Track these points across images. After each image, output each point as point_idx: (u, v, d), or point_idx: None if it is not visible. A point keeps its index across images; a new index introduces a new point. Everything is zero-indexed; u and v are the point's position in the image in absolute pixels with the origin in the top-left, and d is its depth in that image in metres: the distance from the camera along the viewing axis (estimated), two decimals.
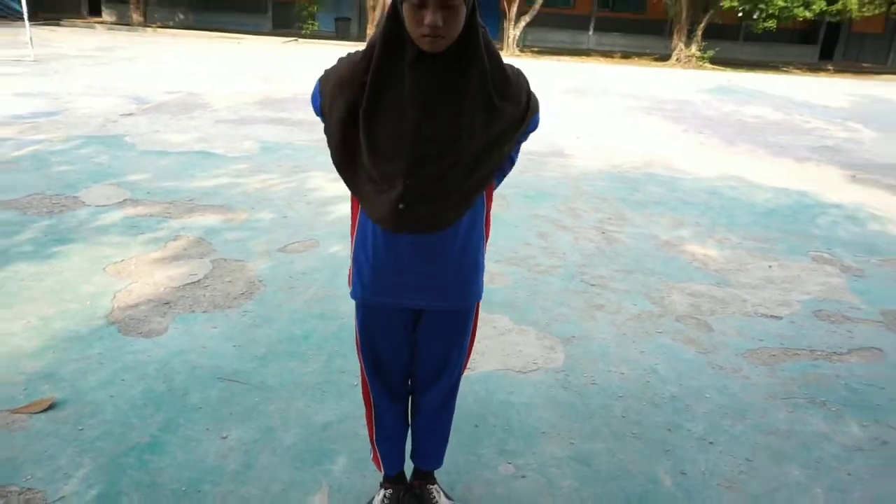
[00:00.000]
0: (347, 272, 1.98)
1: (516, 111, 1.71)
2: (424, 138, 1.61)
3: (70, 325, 3.25)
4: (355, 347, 2.04)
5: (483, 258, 1.92)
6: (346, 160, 1.73)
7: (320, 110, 1.77)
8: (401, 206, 1.66)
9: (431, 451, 2.20)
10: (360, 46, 1.72)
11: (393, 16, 1.58)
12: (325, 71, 1.77)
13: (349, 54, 1.72)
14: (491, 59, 1.63)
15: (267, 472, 2.36)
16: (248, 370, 2.98)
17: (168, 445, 2.45)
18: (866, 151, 9.39)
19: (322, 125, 1.79)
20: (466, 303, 1.91)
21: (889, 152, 9.44)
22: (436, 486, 2.23)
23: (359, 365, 2.07)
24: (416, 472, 2.25)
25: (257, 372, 2.97)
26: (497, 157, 1.74)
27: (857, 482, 2.52)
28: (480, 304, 2.00)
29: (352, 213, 1.88)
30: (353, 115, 1.65)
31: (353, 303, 1.92)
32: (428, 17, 1.49)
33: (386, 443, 2.14)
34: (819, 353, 3.50)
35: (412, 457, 2.23)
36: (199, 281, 3.85)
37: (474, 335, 2.05)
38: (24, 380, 2.78)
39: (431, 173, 1.65)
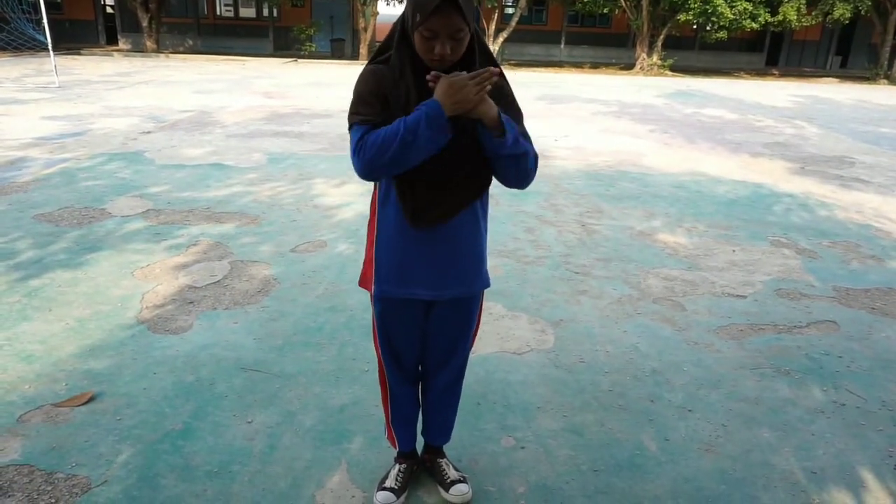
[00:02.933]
0: (360, 269, 1.96)
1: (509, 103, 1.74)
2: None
3: (104, 326, 3.21)
4: (371, 337, 2.02)
5: (486, 250, 1.91)
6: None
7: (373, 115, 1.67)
8: (428, 197, 1.69)
9: (441, 427, 2.18)
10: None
11: (402, 38, 1.63)
12: (352, 111, 1.69)
13: (361, 74, 1.72)
14: (490, 65, 1.66)
15: (290, 452, 2.33)
16: (268, 360, 2.95)
17: (199, 431, 2.42)
18: (812, 146, 9.43)
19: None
20: (474, 290, 1.90)
21: (831, 146, 9.49)
22: (445, 459, 2.22)
23: (372, 353, 2.05)
24: (426, 447, 2.24)
25: (276, 361, 2.94)
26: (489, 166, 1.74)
27: (820, 441, 2.52)
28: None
29: (370, 215, 1.87)
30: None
31: (359, 296, 1.92)
32: (438, 48, 1.56)
33: (400, 422, 2.12)
34: (781, 327, 3.50)
35: (423, 433, 2.22)
36: (219, 281, 3.81)
37: (479, 321, 2.04)
38: (65, 376, 2.75)
39: (444, 168, 1.66)
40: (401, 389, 2.06)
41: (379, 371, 2.07)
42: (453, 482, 2.13)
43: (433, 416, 2.16)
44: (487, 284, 1.94)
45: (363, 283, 1.93)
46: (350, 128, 1.68)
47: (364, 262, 1.93)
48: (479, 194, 1.78)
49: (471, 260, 1.85)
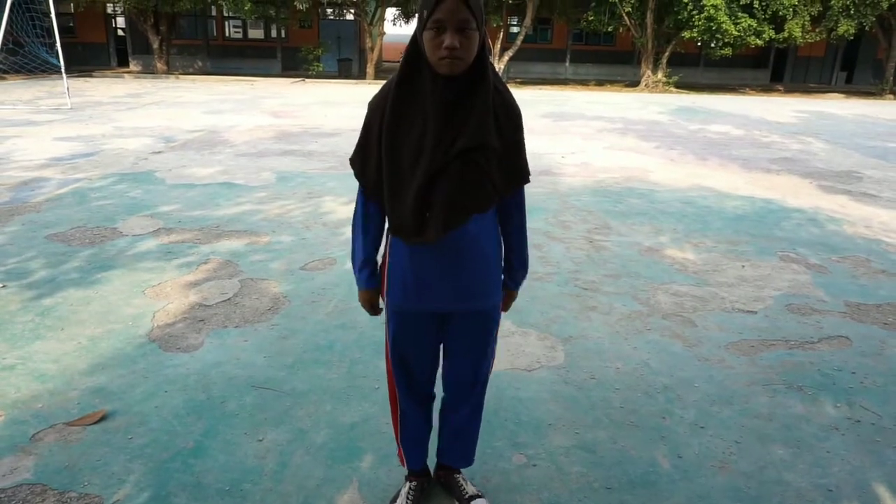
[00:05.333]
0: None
1: (518, 128, 1.77)
2: (443, 152, 1.64)
3: (116, 344, 3.23)
4: (384, 355, 2.03)
5: (500, 263, 1.91)
6: (378, 178, 1.75)
7: (357, 156, 1.80)
8: (427, 214, 1.68)
9: (461, 450, 2.15)
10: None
11: (412, 48, 1.63)
12: (354, 152, 1.82)
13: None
14: (500, 85, 1.70)
15: (301, 470, 2.33)
16: (279, 378, 2.95)
17: (210, 449, 2.42)
18: (819, 161, 9.41)
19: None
20: (489, 302, 1.89)
21: (839, 161, 9.47)
22: (461, 475, 2.20)
23: (383, 370, 2.05)
24: (441, 463, 2.22)
25: (287, 379, 2.94)
26: (500, 174, 1.74)
27: (835, 458, 2.49)
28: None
29: (387, 229, 1.88)
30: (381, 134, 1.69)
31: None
32: (447, 40, 1.54)
33: (410, 442, 2.11)
34: (793, 342, 3.48)
35: (441, 457, 2.19)
36: (229, 299, 3.82)
37: (496, 340, 2.03)
38: (77, 395, 2.75)
39: (449, 185, 1.67)
40: (411, 408, 2.05)
41: (389, 389, 2.06)
42: (472, 497, 2.12)
43: (455, 441, 2.13)
44: (500, 297, 1.94)
45: (382, 295, 1.93)
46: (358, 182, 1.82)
47: (379, 276, 1.93)
48: (477, 211, 1.75)
49: (484, 272, 1.84)
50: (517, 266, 1.96)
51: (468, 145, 1.64)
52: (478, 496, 2.12)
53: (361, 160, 1.78)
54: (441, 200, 1.67)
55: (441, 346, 1.99)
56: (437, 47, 1.56)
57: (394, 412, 2.08)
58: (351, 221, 1.91)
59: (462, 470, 2.22)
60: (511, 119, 1.73)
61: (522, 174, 1.81)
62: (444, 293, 1.81)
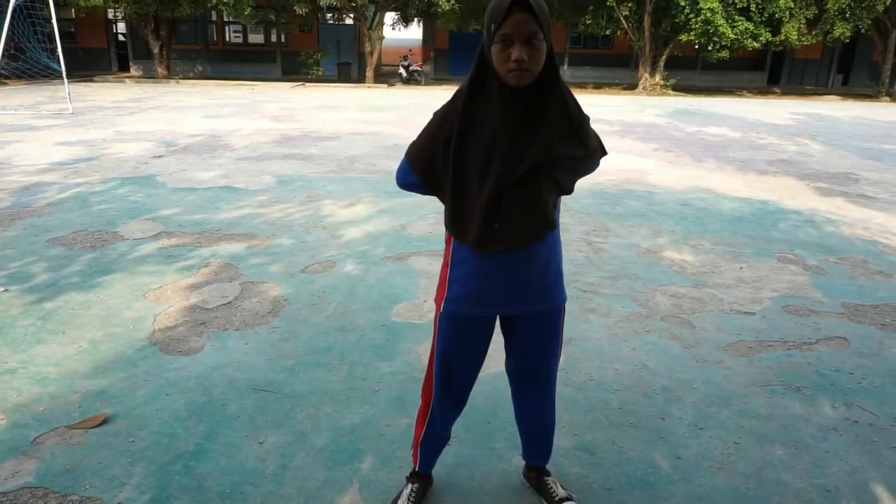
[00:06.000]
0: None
1: (591, 143, 1.78)
2: (512, 166, 1.64)
3: (117, 348, 3.22)
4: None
5: (562, 264, 1.92)
6: (437, 178, 1.75)
7: (417, 168, 1.79)
8: (495, 226, 1.68)
9: (544, 448, 2.19)
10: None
11: (479, 59, 1.64)
12: (413, 142, 1.82)
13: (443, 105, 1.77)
14: (568, 94, 1.69)
15: (302, 472, 2.32)
16: (280, 381, 2.95)
17: (211, 452, 2.42)
18: (816, 163, 9.43)
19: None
20: (555, 305, 1.90)
21: (836, 163, 9.49)
22: (552, 477, 2.21)
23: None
24: (529, 465, 2.24)
25: (288, 382, 2.94)
26: (570, 182, 1.76)
27: (833, 458, 2.49)
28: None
29: (446, 233, 1.88)
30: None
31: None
32: (515, 53, 1.55)
33: (429, 445, 2.11)
34: (791, 343, 3.48)
35: (525, 455, 2.23)
36: (230, 302, 3.82)
37: (562, 336, 2.03)
38: (78, 398, 2.75)
39: (518, 198, 1.67)
40: (442, 414, 2.05)
41: (425, 390, 2.05)
42: (562, 500, 2.13)
43: (535, 438, 2.16)
44: (565, 299, 1.95)
45: (437, 300, 1.93)
46: (406, 153, 1.81)
47: (439, 280, 1.93)
48: (544, 233, 1.76)
49: (549, 276, 1.85)
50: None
51: (538, 159, 1.65)
52: (568, 499, 2.14)
53: (421, 161, 1.77)
54: (509, 216, 1.68)
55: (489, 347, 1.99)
56: (505, 60, 1.56)
57: (423, 413, 2.07)
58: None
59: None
60: (585, 128, 1.75)
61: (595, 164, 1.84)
62: (510, 297, 1.82)
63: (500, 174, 1.64)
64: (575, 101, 1.72)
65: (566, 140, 1.69)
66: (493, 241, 1.71)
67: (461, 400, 2.06)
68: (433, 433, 2.08)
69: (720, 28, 20.68)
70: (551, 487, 2.17)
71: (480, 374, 2.11)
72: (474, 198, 1.68)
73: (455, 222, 1.74)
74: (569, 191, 1.77)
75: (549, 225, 1.75)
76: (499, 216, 1.68)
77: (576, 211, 6.18)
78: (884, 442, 2.61)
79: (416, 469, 2.16)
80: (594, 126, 1.85)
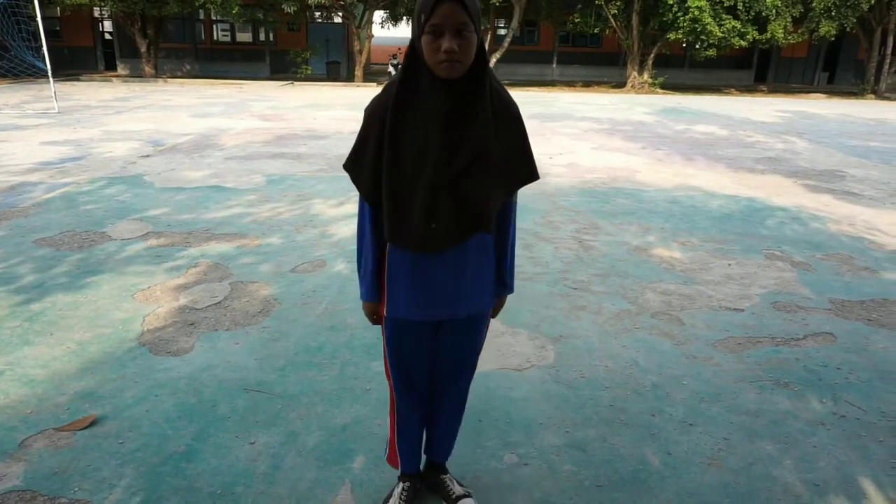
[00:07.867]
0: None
1: (519, 130, 1.77)
2: (446, 161, 1.63)
3: (106, 349, 3.19)
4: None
5: (493, 266, 1.90)
6: (375, 184, 1.72)
7: (352, 159, 1.78)
8: (433, 225, 1.66)
9: (446, 444, 2.18)
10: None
11: (410, 52, 1.62)
12: (348, 157, 1.80)
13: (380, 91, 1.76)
14: (501, 88, 1.70)
15: (293, 472, 2.31)
16: (270, 381, 2.94)
17: (202, 453, 2.40)
18: (803, 160, 9.50)
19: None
20: (484, 306, 1.90)
21: (822, 160, 9.57)
22: (448, 475, 2.20)
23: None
24: (429, 464, 2.22)
25: (278, 382, 2.93)
26: (510, 174, 1.74)
27: (821, 453, 2.51)
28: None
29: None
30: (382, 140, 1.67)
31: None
32: (445, 44, 1.54)
33: (406, 445, 2.11)
34: (779, 339, 3.51)
35: (427, 451, 2.21)
36: (219, 302, 3.80)
37: (484, 338, 2.04)
38: (67, 400, 2.73)
39: (456, 196, 1.66)
40: (410, 413, 2.05)
41: (390, 395, 2.06)
42: (459, 497, 2.12)
43: (441, 435, 2.15)
44: (493, 303, 1.94)
45: (381, 304, 1.91)
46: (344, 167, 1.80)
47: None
48: (483, 229, 1.73)
49: (481, 277, 1.84)
50: (509, 270, 1.95)
51: (472, 154, 1.63)
52: (465, 496, 2.13)
53: (356, 166, 1.75)
54: (446, 214, 1.66)
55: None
56: (435, 51, 1.55)
57: (392, 416, 2.08)
58: (356, 231, 1.87)
59: (453, 469, 2.23)
60: (512, 121, 1.73)
61: (529, 174, 1.79)
62: (445, 301, 1.80)
63: (436, 170, 1.62)
64: (509, 95, 1.71)
65: (500, 134, 1.68)
66: (430, 242, 1.68)
67: (423, 399, 2.06)
68: (408, 433, 2.09)
69: (708, 26, 20.79)
70: (448, 485, 2.17)
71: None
72: (410, 197, 1.66)
73: (392, 221, 1.69)
74: (503, 193, 1.74)
75: (487, 223, 1.71)
76: (435, 216, 1.66)
77: (565, 209, 6.19)
78: (871, 436, 2.63)
79: (400, 470, 2.16)
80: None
